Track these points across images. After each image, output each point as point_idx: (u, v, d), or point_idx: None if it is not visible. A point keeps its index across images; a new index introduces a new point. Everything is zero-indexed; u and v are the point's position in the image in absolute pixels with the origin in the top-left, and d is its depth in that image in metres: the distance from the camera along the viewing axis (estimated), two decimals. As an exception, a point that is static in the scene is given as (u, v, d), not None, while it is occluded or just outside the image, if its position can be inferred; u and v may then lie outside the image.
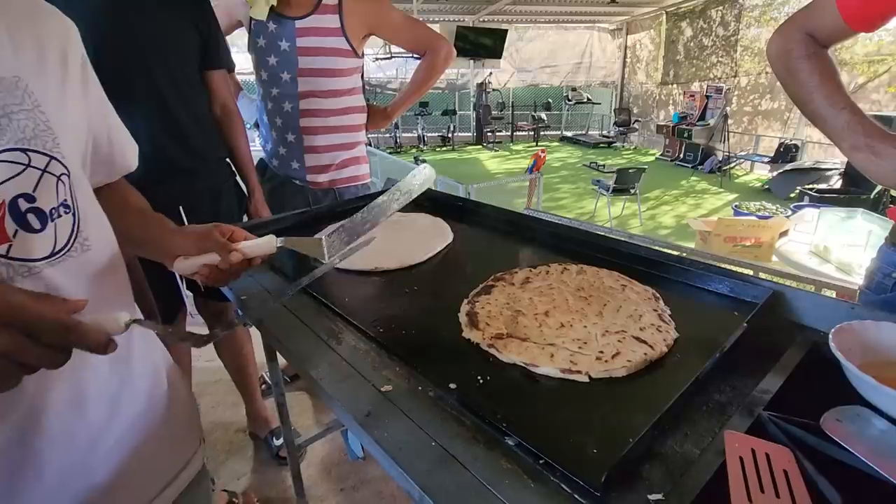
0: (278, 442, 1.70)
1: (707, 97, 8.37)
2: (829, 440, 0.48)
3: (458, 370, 0.61)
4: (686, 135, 8.41)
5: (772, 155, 7.36)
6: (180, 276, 1.40)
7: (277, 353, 1.27)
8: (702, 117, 8.37)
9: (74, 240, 0.54)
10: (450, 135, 10.85)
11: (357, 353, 0.68)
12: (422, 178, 0.79)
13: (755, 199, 5.18)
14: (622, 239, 0.94)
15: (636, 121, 10.85)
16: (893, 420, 0.49)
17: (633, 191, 5.32)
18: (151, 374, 0.66)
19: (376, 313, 0.78)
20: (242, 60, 1.59)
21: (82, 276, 0.55)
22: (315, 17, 1.43)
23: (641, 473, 0.46)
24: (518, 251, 1.02)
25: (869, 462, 0.44)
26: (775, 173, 6.81)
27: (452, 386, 0.58)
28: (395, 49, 9.16)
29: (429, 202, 1.31)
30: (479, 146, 11.03)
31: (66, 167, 0.53)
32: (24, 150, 0.49)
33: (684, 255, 0.84)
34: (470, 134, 11.46)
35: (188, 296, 1.55)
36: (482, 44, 9.63)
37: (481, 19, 9.92)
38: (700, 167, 8.11)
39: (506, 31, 9.85)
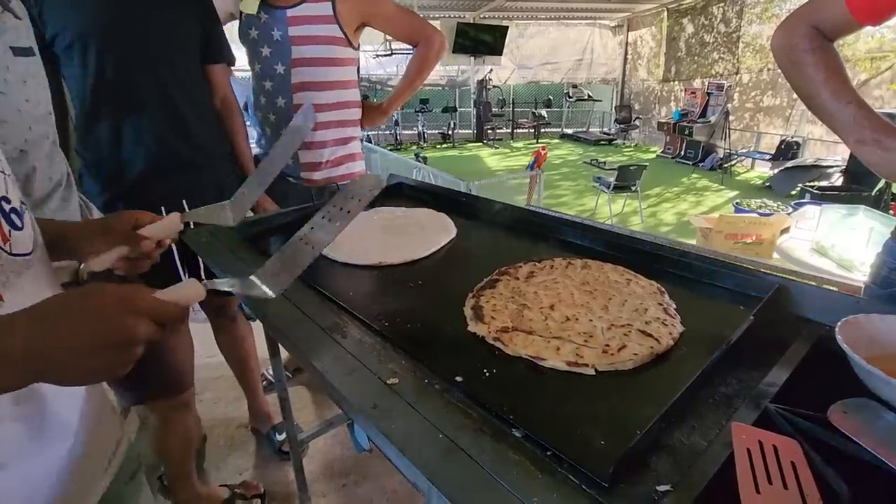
0: (280, 437, 1.71)
1: (708, 94, 8.35)
2: (837, 432, 0.48)
3: (463, 363, 0.61)
4: (687, 132, 8.39)
5: (773, 152, 7.35)
6: (183, 270, 1.40)
7: (280, 348, 1.27)
8: (703, 114, 8.35)
9: (35, 232, 0.56)
10: (450, 132, 10.83)
11: (362, 346, 0.68)
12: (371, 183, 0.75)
13: (756, 197, 5.17)
14: (626, 234, 0.94)
15: (637, 118, 10.83)
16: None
17: (633, 188, 5.31)
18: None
19: (381, 307, 0.78)
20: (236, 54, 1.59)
21: (47, 264, 0.58)
22: (306, 4, 1.42)
23: (649, 465, 0.46)
24: (522, 246, 1.01)
25: (876, 453, 0.45)
26: (776, 170, 6.80)
27: (459, 379, 0.58)
28: (395, 45, 9.15)
29: (431, 197, 1.31)
30: (480, 143, 11.01)
31: (5, 164, 0.55)
32: None
33: (688, 250, 0.84)
34: (470, 131, 11.44)
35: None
36: (482, 40, 9.60)
37: (482, 16, 9.88)
38: (701, 164, 8.10)
39: (506, 27, 9.81)
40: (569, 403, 0.54)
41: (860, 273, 2.45)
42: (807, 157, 6.92)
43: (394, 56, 9.49)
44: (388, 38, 8.11)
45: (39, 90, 0.93)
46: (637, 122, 10.77)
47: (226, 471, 1.65)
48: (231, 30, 1.55)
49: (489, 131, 11.01)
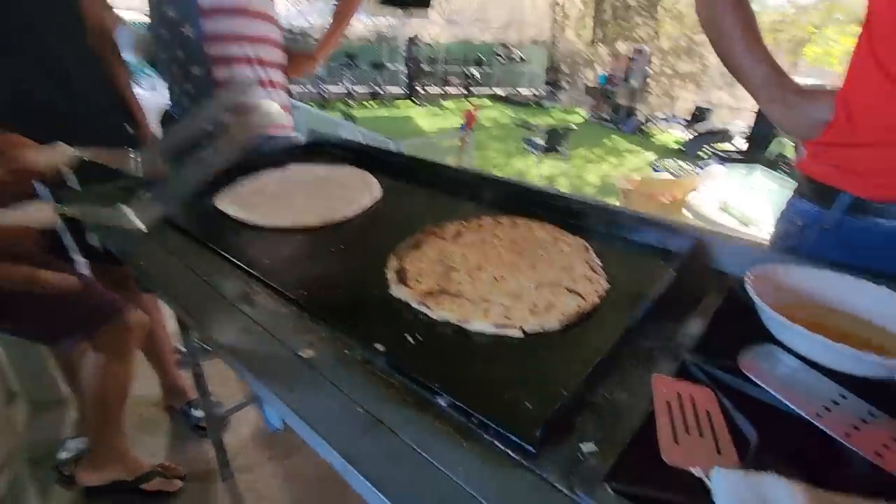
0: (198, 413, 1.60)
1: (631, 59, 8.65)
2: (747, 379, 0.49)
3: (386, 331, 0.57)
4: (611, 95, 8.69)
5: (689, 118, 7.83)
6: (76, 241, 1.23)
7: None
8: (626, 79, 8.66)
9: None
10: (380, 90, 10.41)
11: (275, 316, 0.61)
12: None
13: (672, 158, 5.51)
14: (553, 192, 0.92)
15: (565, 80, 11.03)
16: (802, 358, 0.52)
17: (561, 150, 5.44)
18: None
19: (297, 274, 0.71)
20: None
21: None
22: None
23: (574, 425, 0.45)
24: (450, 206, 0.97)
25: (780, 396, 0.47)
26: (690, 134, 7.26)
27: (380, 347, 0.54)
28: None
29: (353, 155, 1.22)
30: (410, 101, 10.71)
31: None
32: None
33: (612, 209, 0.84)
34: (400, 89, 11.07)
35: (83, 263, 1.36)
36: (411, -9, 9.17)
37: (410, -35, 9.39)
38: (623, 127, 8.47)
39: (436, -21, 9.43)
40: (496, 368, 0.52)
41: (758, 229, 2.69)
42: (715, 122, 7.45)
43: (313, 4, 8.82)
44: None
45: None
46: (565, 85, 10.97)
47: (138, 452, 1.52)
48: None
49: (419, 90, 10.71)
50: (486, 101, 11.39)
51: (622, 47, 9.31)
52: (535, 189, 0.94)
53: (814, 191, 0.76)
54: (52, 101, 1.13)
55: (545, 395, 0.47)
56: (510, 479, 0.40)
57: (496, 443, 0.43)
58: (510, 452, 0.42)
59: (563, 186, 5.39)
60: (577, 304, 0.59)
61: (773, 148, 5.23)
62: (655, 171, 4.77)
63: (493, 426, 0.44)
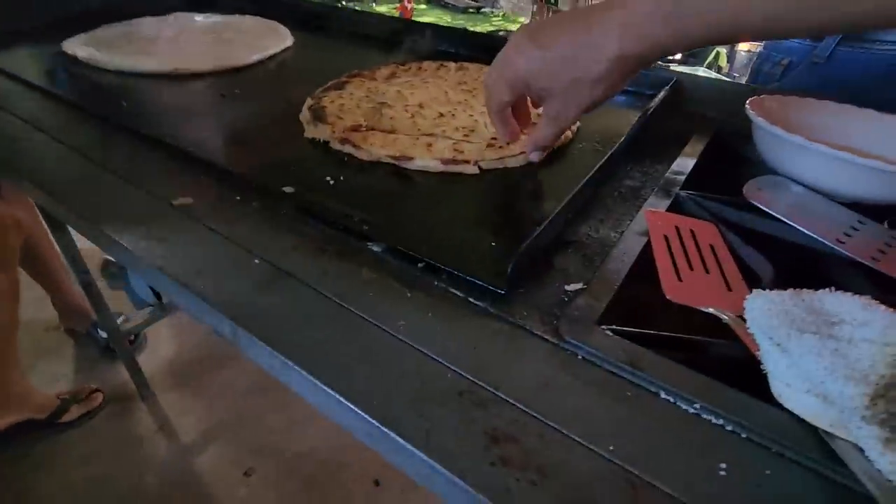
0: (104, 334, 1.40)
1: (574, -40, 8.17)
2: (751, 212, 0.41)
3: (297, 175, 0.42)
4: (553, 1, 8.27)
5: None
6: None
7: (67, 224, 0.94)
8: (568, -18, 8.23)
9: None
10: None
11: (138, 163, 0.44)
12: None
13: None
14: (504, 35, 0.76)
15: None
16: (806, 185, 0.43)
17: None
18: None
19: (177, 123, 0.53)
20: None
21: None
22: None
23: (554, 264, 0.34)
24: (382, 54, 0.79)
25: (796, 225, 0.38)
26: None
27: (288, 190, 0.39)
28: None
29: (256, 5, 0.97)
30: (338, 4, 9.64)
31: None
32: None
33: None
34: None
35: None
36: None
37: None
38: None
39: None
40: (446, 209, 0.39)
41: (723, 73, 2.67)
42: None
43: None
44: None
45: None
46: (505, -11, 10.29)
47: (36, 378, 1.32)
48: None
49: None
50: (422, 5, 10.48)
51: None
52: (480, 34, 0.78)
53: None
54: None
55: (511, 234, 0.36)
56: (473, 330, 0.28)
57: (451, 290, 0.31)
58: (472, 300, 0.30)
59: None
60: (546, 138, 0.47)
61: (711, 60, 5.25)
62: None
63: (448, 269, 0.32)
